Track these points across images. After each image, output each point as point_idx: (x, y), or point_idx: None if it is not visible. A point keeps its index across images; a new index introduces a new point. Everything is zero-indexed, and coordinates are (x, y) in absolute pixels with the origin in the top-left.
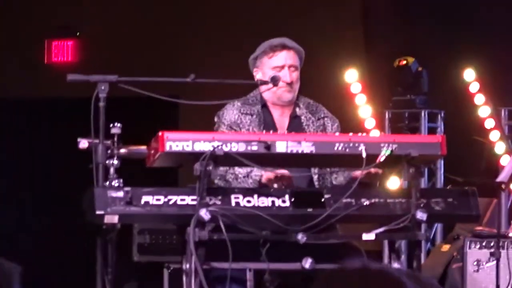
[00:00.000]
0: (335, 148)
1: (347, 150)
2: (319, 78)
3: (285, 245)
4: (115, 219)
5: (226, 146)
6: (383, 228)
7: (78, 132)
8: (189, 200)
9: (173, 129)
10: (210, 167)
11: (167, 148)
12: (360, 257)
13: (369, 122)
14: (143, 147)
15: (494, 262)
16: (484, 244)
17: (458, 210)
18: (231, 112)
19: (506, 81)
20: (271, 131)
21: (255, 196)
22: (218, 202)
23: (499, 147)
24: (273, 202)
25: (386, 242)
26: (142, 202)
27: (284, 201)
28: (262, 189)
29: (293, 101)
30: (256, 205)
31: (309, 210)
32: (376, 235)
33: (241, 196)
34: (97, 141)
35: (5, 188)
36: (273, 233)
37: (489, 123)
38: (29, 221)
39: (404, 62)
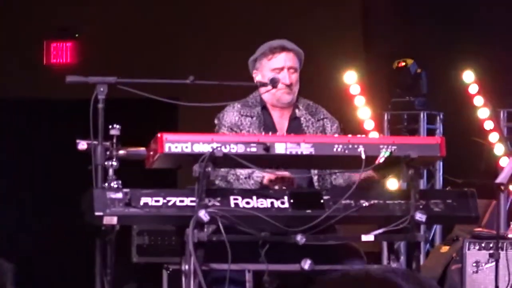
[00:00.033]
0: (334, 150)
1: (346, 151)
2: (318, 79)
3: (284, 246)
4: (114, 220)
5: (225, 147)
6: (382, 229)
7: (77, 133)
8: (188, 201)
9: (172, 130)
10: (209, 169)
11: (166, 150)
12: (359, 259)
13: (368, 124)
14: (142, 149)
15: (493, 263)
16: (483, 245)
17: (457, 212)
18: (231, 114)
19: (505, 83)
20: (269, 133)
21: (254, 197)
22: (217, 204)
23: (498, 149)
24: (272, 203)
25: (385, 243)
26: (141, 203)
27: (283, 202)
28: (261, 190)
29: (293, 103)
30: (255, 206)
31: (308, 211)
32: (375, 236)
33: (240, 197)
34: (96, 142)
35: (5, 188)
36: (272, 234)
37: (488, 125)
38: (29, 221)
39: (403, 63)
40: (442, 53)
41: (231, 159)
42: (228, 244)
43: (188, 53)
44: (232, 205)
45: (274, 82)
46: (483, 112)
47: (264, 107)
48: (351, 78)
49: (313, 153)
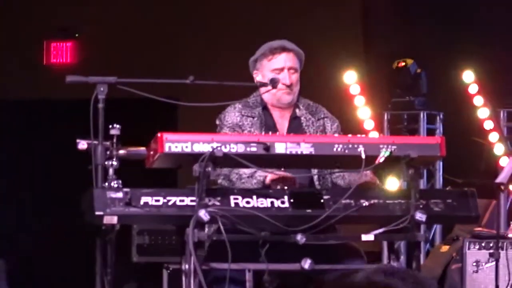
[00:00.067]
0: (334, 150)
1: (346, 151)
2: (318, 79)
3: (284, 246)
4: (114, 219)
5: (225, 147)
6: (382, 229)
7: (77, 133)
8: (188, 201)
9: (172, 130)
10: (209, 168)
11: (166, 149)
12: (359, 258)
13: (368, 124)
14: (142, 148)
15: (493, 262)
16: (483, 245)
17: (457, 211)
18: (233, 114)
19: (505, 83)
20: (269, 133)
21: (254, 197)
22: (217, 203)
23: (498, 148)
24: (272, 203)
25: (385, 243)
26: (141, 203)
27: (283, 202)
28: (261, 190)
29: (293, 103)
30: (255, 206)
31: (308, 211)
32: (375, 236)
33: (240, 197)
34: (96, 142)
35: (5, 188)
36: (272, 233)
37: (488, 125)
38: (29, 221)
39: (403, 63)
40: (442, 53)
41: (231, 159)
42: (228, 244)
43: (188, 53)
44: (232, 204)
45: (274, 82)
46: (483, 112)
47: (265, 107)
48: (351, 78)
49: (313, 152)
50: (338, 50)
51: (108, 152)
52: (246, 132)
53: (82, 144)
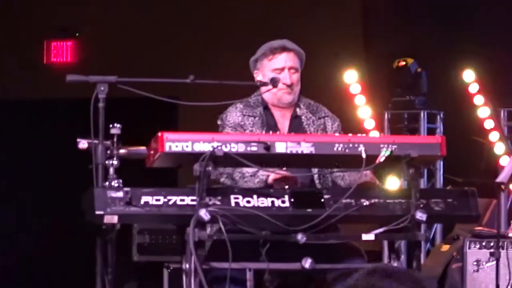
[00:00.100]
0: (335, 149)
1: (347, 150)
2: (318, 79)
3: (285, 245)
4: (114, 219)
5: (226, 146)
6: (383, 228)
7: (77, 133)
8: (188, 200)
9: (172, 129)
10: (210, 168)
11: (167, 149)
12: (360, 258)
13: (369, 123)
14: (143, 148)
15: (494, 262)
16: (484, 244)
17: (457, 211)
18: (234, 114)
19: (505, 82)
20: (270, 132)
21: (255, 196)
22: (218, 203)
23: (499, 148)
24: (272, 202)
25: (385, 242)
26: (142, 202)
27: (283, 202)
28: (261, 189)
29: (294, 103)
30: (256, 205)
31: (309, 210)
32: (376, 235)
33: (240, 197)
34: (96, 141)
35: (5, 188)
36: (273, 233)
37: (489, 124)
38: (29, 221)
39: (403, 63)
40: (442, 53)
41: (231, 158)
42: (229, 243)
43: (188, 53)
44: (233, 204)
45: (274, 82)
46: (483, 111)
47: (266, 107)
48: (351, 77)
49: (313, 152)
50: (338, 50)
51: (108, 152)
52: (248, 131)
53: (83, 144)
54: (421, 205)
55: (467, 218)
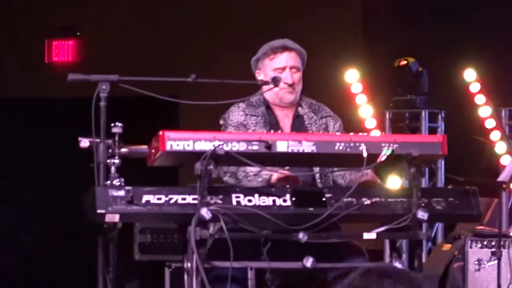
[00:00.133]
0: (336, 148)
1: (348, 149)
2: (319, 78)
3: (286, 244)
4: (116, 218)
5: (227, 145)
6: (384, 227)
7: (78, 132)
8: (190, 199)
9: (173, 128)
10: (211, 167)
11: (168, 148)
12: (361, 257)
13: (370, 122)
14: (144, 147)
15: (495, 261)
16: (485, 243)
17: (459, 210)
18: (237, 113)
19: (506, 81)
20: (271, 131)
21: (256, 195)
22: (219, 201)
23: (500, 147)
24: (274, 201)
25: (387, 242)
26: (143, 201)
27: (285, 200)
28: (263, 188)
29: (295, 102)
30: (257, 204)
31: (310, 209)
32: (377, 234)
33: (242, 195)
34: (98, 140)
35: (5, 188)
36: (274, 232)
37: (490, 123)
38: (29, 221)
39: (405, 62)
40: (443, 52)
41: (233, 157)
42: (230, 242)
43: (188, 53)
44: (234, 203)
45: (275, 81)
46: (484, 111)
47: (268, 106)
48: (352, 77)
49: (314, 151)
50: (339, 50)
51: (110, 150)
52: (251, 131)
53: (84, 142)
54: (423, 204)
55: (469, 217)
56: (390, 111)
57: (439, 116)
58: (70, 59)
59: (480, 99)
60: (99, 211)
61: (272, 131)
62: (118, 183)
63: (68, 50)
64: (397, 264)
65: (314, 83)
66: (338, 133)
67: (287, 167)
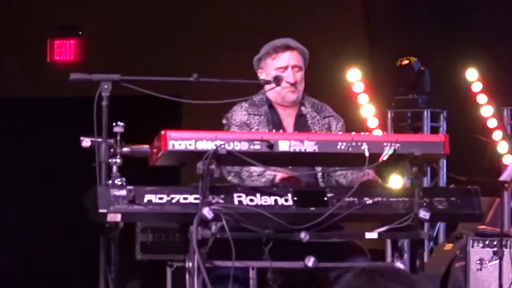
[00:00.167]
0: (338, 147)
1: (350, 149)
2: (321, 78)
3: (288, 244)
4: (118, 217)
5: (229, 145)
6: (386, 227)
7: (78, 132)
8: (192, 198)
9: (175, 128)
10: (213, 166)
11: (170, 147)
12: (363, 256)
13: (372, 122)
14: (146, 146)
15: (497, 261)
16: (487, 243)
17: (461, 209)
18: (240, 113)
19: (508, 81)
20: (273, 131)
21: (258, 194)
22: (221, 201)
23: (502, 147)
24: (276, 200)
25: (389, 241)
26: (145, 200)
27: (287, 200)
28: (265, 187)
29: (298, 101)
30: (259, 203)
31: (312, 209)
32: (379, 234)
33: (244, 195)
34: (100, 139)
35: (5, 188)
36: (276, 231)
37: (492, 123)
38: (29, 221)
39: (407, 61)
40: (444, 52)
41: (235, 157)
42: (232, 242)
43: (188, 53)
44: (236, 202)
45: (277, 80)
46: (486, 110)
47: (270, 106)
48: (354, 76)
49: (316, 150)
50: (340, 50)
51: (111, 150)
52: (254, 130)
53: (86, 142)
54: (424, 204)
55: (470, 216)
56: (392, 111)
57: (441, 116)
58: (72, 58)
59: (482, 98)
60: (101, 210)
61: (275, 130)
62: (120, 183)
63: (70, 49)
64: (399, 264)
65: (316, 83)
66: (340, 133)
67: (289, 167)
